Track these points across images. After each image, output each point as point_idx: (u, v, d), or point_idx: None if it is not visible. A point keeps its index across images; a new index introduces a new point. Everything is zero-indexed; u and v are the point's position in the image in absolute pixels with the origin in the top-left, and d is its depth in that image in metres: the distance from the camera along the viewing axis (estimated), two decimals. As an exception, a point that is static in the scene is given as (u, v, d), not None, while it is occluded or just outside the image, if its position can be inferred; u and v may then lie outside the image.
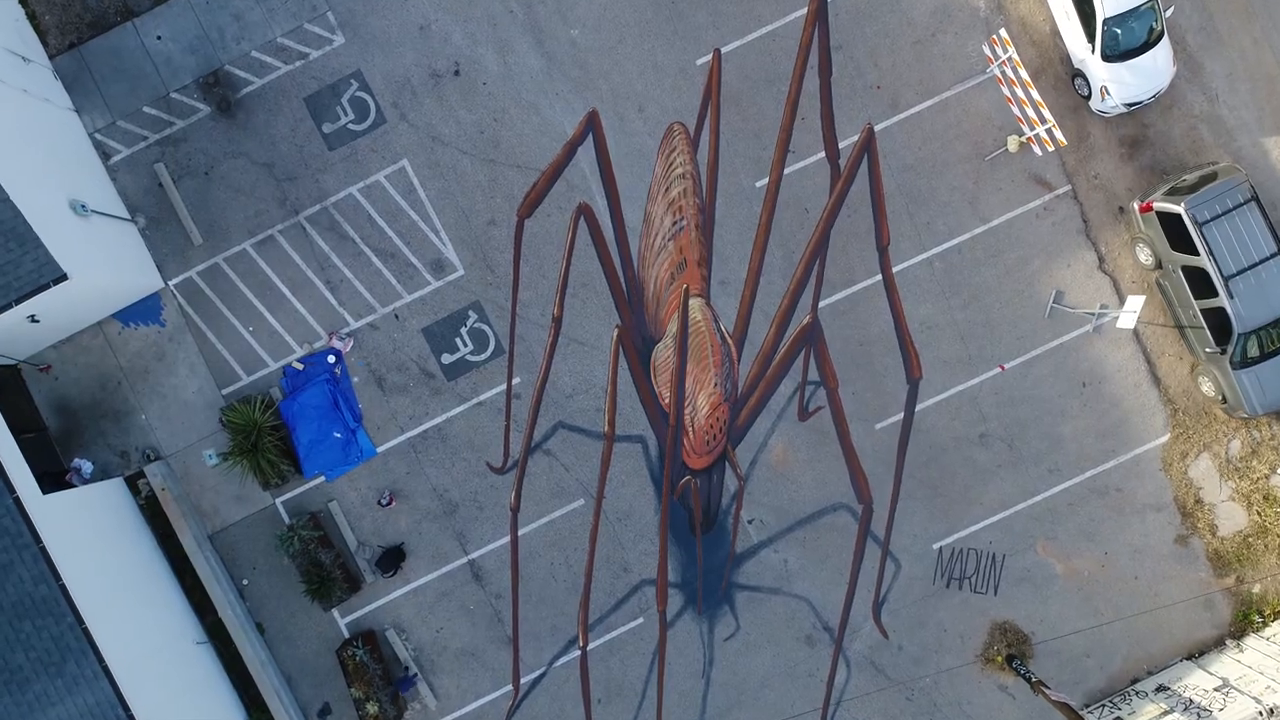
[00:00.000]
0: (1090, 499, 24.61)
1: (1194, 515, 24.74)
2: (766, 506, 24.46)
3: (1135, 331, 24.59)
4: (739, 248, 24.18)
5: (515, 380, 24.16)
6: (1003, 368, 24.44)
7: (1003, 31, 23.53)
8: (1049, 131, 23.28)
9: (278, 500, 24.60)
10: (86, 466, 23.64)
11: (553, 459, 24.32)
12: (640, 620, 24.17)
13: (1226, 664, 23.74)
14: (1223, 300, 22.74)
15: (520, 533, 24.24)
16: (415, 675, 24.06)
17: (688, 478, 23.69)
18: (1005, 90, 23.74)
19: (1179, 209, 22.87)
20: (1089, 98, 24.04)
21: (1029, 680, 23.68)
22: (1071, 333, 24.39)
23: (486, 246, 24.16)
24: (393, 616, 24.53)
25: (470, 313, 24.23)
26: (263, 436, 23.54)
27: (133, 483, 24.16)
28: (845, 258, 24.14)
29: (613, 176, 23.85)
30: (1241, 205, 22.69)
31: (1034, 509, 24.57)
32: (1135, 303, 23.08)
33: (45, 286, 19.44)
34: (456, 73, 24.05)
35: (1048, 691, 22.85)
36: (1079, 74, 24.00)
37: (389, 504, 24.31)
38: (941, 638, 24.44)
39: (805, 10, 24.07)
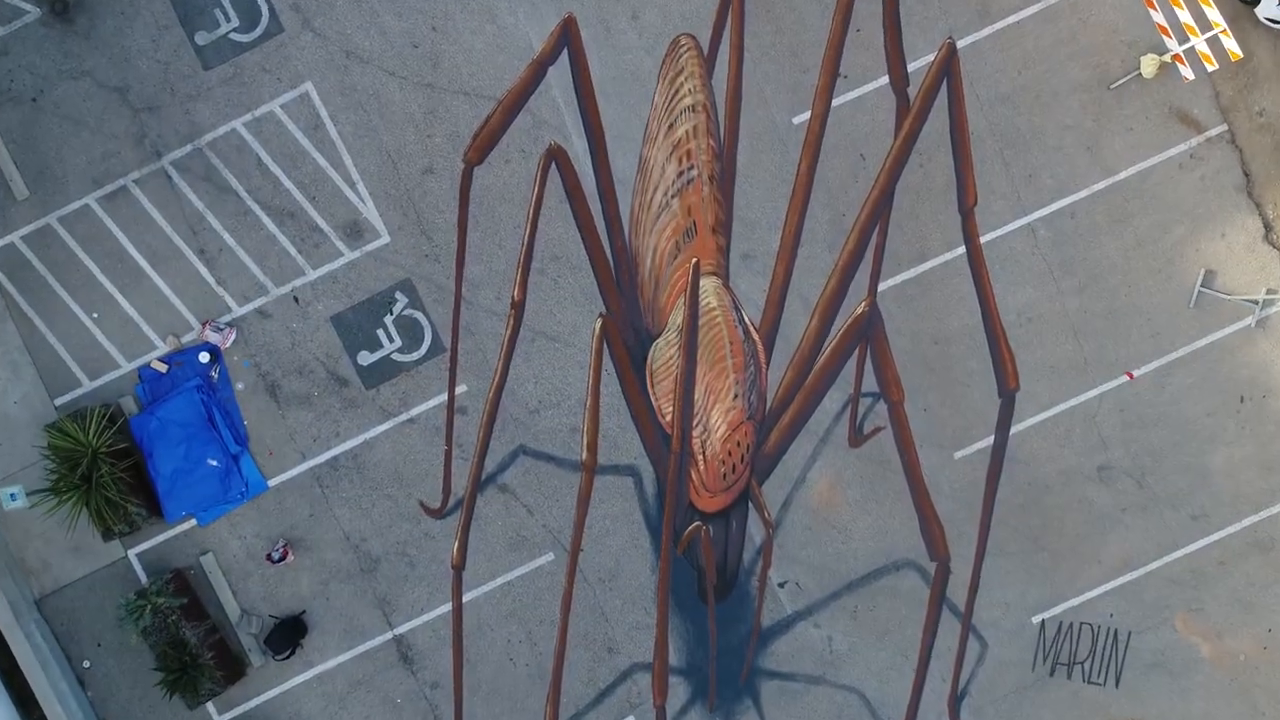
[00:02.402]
0: (1249, 555, 18.66)
1: (1388, 578, 18.72)
2: (804, 565, 18.57)
3: (1311, 326, 18.53)
4: (769, 208, 18.29)
5: (460, 389, 18.35)
6: (1131, 376, 18.52)
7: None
8: (1210, 43, 16.97)
9: (131, 552, 18.55)
10: None
11: (511, 498, 18.45)
12: (631, 720, 18.47)
13: None
14: None
15: (466, 598, 18.45)
16: None
17: (697, 524, 18.01)
18: (1140, -11, 17.79)
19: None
20: (1257, 2, 17.87)
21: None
22: (1226, 328, 18.47)
23: (421, 204, 18.24)
24: (289, 714, 18.60)
25: (398, 295, 18.36)
26: (98, 466, 17.01)
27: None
28: (915, 223, 18.29)
29: (595, 108, 18.04)
30: None
31: (1172, 569, 18.65)
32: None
33: None
34: (381, -37, 18.12)
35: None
36: (1242, -33, 17.80)
37: (283, 558, 18.27)
38: (1043, 745, 18.68)
39: (862, -119, 18.08)
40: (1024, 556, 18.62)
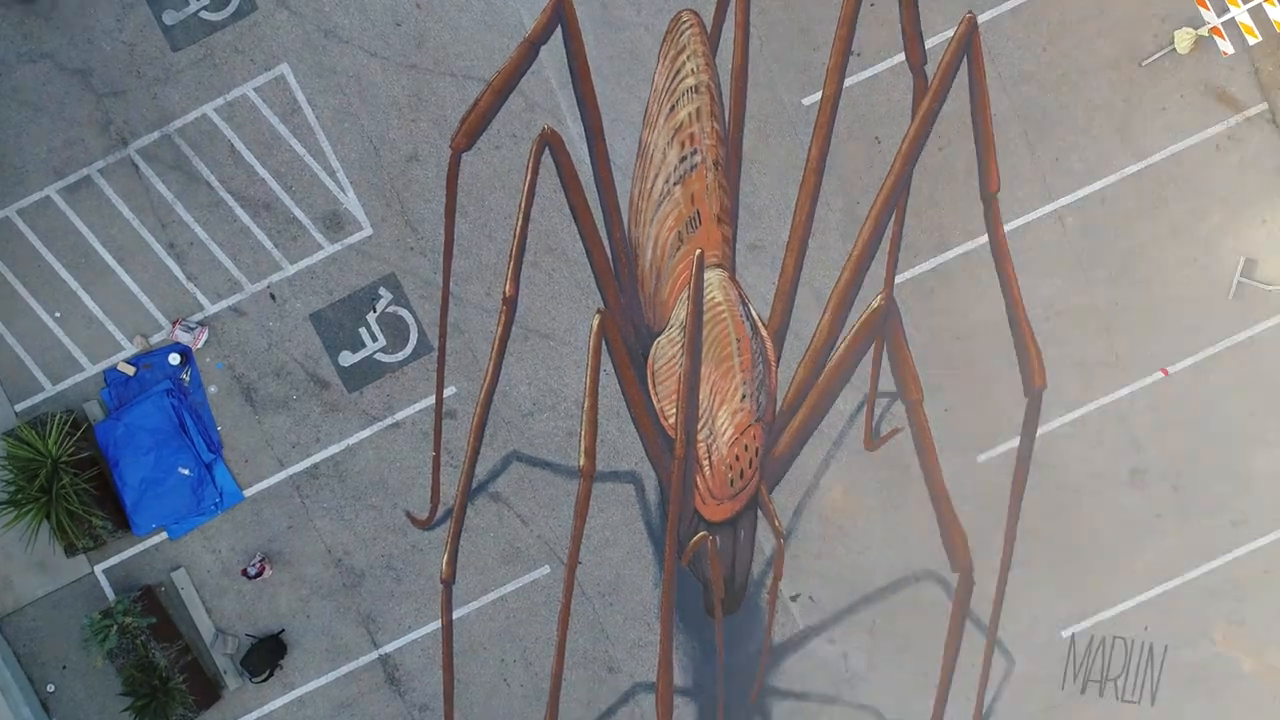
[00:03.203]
0: (1294, 564, 17.36)
1: None
2: (818, 576, 17.43)
3: (1360, 319, 17.33)
4: (778, 195, 17.12)
5: (449, 391, 17.18)
6: (1165, 372, 17.34)
7: None
8: (1252, 14, 15.80)
9: (98, 568, 17.33)
10: None
11: (504, 507, 17.27)
12: (633, 744, 17.37)
13: None
14: None
15: (456, 615, 17.28)
16: None
17: (703, 534, 16.90)
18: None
19: None
20: (1300, -29, 16.60)
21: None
22: (1268, 320, 17.26)
23: (405, 193, 17.06)
24: (268, 740, 17.31)
25: (382, 291, 17.16)
26: (59, 476, 15.79)
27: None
28: (934, 211, 17.13)
29: (592, 90, 16.88)
30: None
31: (1210, 579, 17.46)
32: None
33: None
34: (361, -64, 16.97)
35: None
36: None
37: (260, 574, 17.06)
38: (1074, 767, 17.57)
39: None
40: (1053, 566, 17.47)
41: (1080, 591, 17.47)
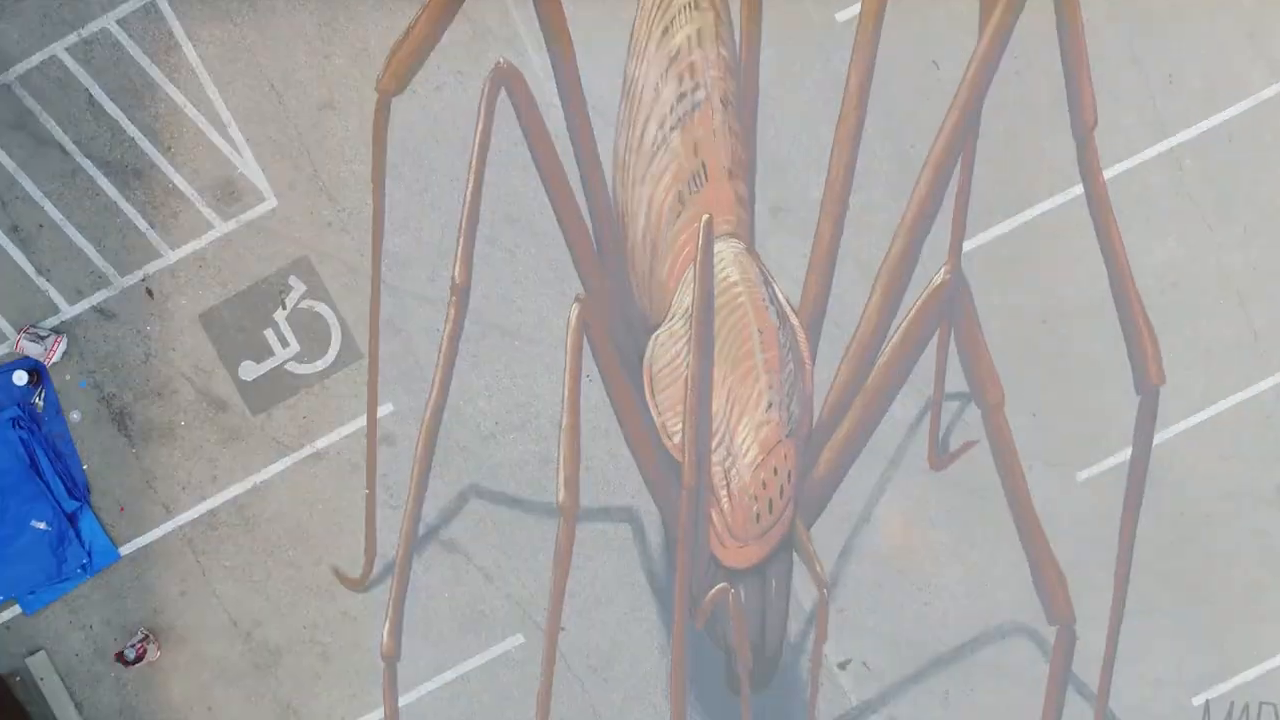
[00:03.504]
0: None
1: None
2: (874, 636, 14.76)
3: None
4: (807, 141, 14.43)
5: (385, 409, 14.44)
6: None
7: None
8: None
9: None
10: None
11: (461, 559, 14.54)
12: None
13: None
14: None
15: (403, 701, 14.54)
16: None
17: (722, 586, 14.35)
18: None
19: None
20: None
21: None
22: None
23: (318, 152, 14.20)
24: None
25: (292, 281, 14.37)
26: None
27: None
28: (1011, 156, 14.41)
29: (560, 10, 14.14)
30: None
31: None
32: None
33: None
34: None
35: None
36: None
37: (140, 658, 13.96)
38: None
39: None
40: (1179, 614, 14.73)
41: (1215, 646, 14.73)
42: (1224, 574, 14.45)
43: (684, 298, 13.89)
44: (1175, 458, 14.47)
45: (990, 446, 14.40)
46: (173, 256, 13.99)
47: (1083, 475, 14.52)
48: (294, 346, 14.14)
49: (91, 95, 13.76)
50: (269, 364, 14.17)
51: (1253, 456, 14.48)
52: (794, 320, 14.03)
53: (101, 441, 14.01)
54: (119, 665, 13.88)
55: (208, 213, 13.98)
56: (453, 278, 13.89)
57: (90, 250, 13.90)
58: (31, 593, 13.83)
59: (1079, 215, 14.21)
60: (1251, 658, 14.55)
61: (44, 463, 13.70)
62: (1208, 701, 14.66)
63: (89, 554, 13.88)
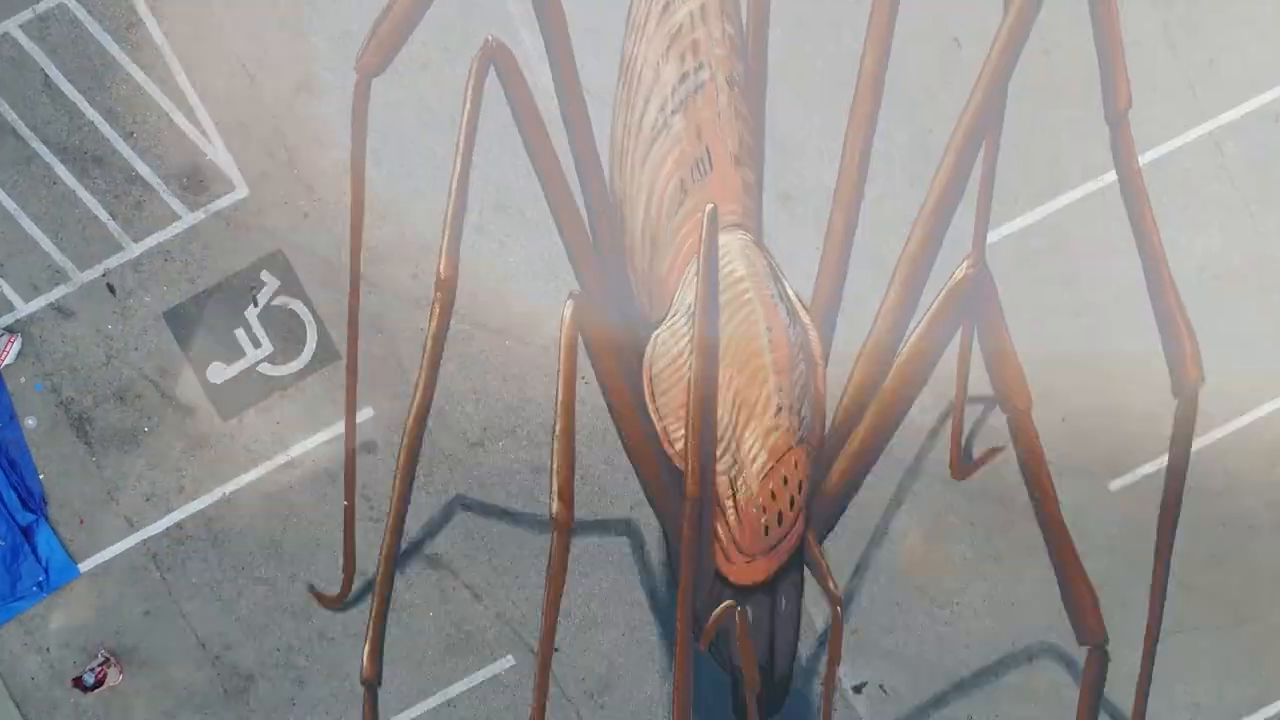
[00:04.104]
0: None
1: None
2: (892, 658, 14.11)
3: None
4: (820, 124, 13.91)
5: (365, 414, 13.80)
6: None
7: None
8: None
9: None
10: None
11: (447, 575, 13.90)
12: None
13: None
14: None
15: None
16: None
17: (728, 604, 13.62)
18: None
19: None
20: None
21: None
22: None
23: (294, 138, 13.57)
24: None
25: (265, 276, 13.71)
26: None
27: None
28: (1039, 141, 13.85)
29: None
30: None
31: None
32: None
33: None
34: None
35: None
36: None
37: (100, 681, 13.24)
38: None
39: None
40: (1219, 634, 14.02)
41: (1259, 669, 13.99)
42: (1270, 591, 13.81)
43: (686, 294, 13.27)
44: (1216, 464, 13.83)
45: (1016, 454, 13.61)
46: (136, 250, 13.33)
47: (1116, 484, 13.93)
48: (267, 347, 13.50)
49: (48, 76, 13.11)
50: (240, 365, 13.55)
51: (1299, 464, 13.59)
52: (805, 318, 13.44)
53: (59, 449, 13.38)
54: (77, 691, 13.18)
55: (174, 203, 13.32)
56: (438, 272, 13.15)
57: (47, 243, 13.21)
58: (-17, 612, 13.04)
59: (1111, 204, 13.58)
60: (1298, 682, 13.73)
61: (-3, 471, 12.95)
62: (1251, 729, 13.77)
63: (46, 570, 13.17)
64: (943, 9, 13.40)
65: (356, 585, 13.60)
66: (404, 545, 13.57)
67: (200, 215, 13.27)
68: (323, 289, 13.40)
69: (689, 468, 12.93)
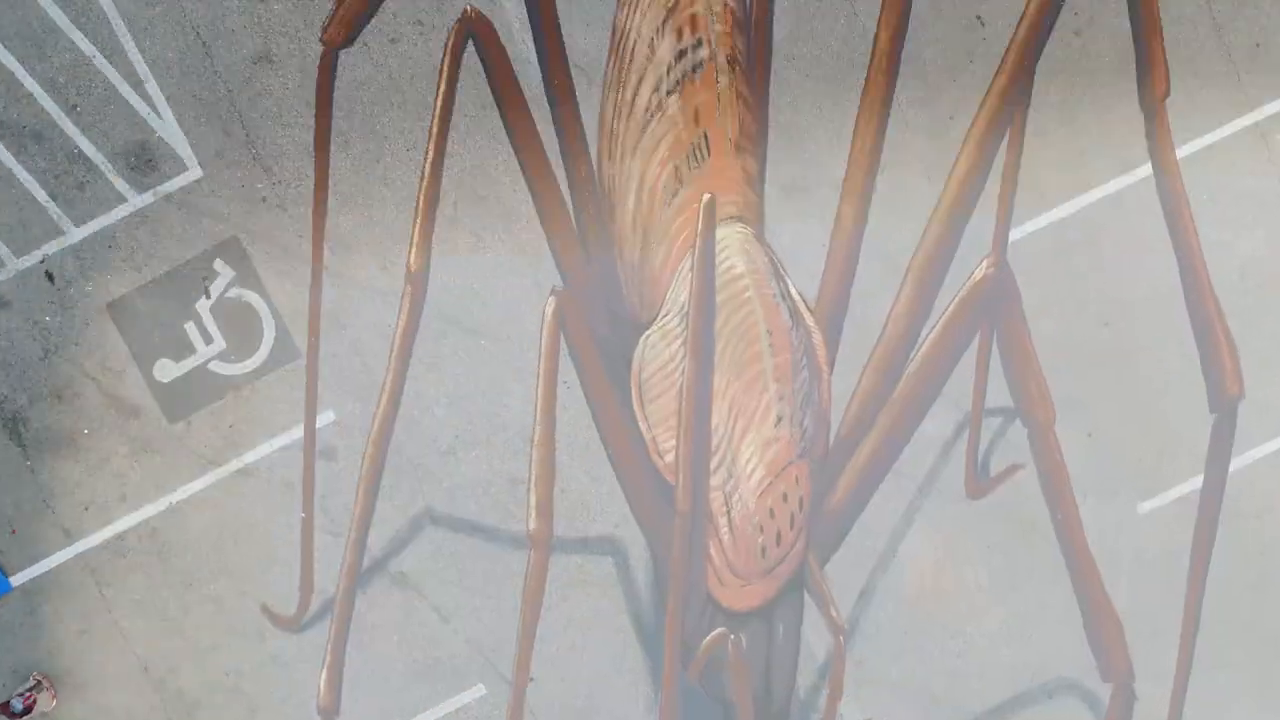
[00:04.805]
0: None
1: None
2: (899, 691, 13.99)
3: None
4: (828, 109, 13.68)
5: (326, 418, 13.62)
6: None
7: None
8: None
9: None
10: None
11: (414, 595, 13.77)
12: None
13: None
14: None
15: None
16: None
17: (721, 632, 13.40)
18: None
19: None
20: None
21: None
22: None
23: (251, 114, 13.25)
24: None
25: (218, 265, 13.49)
26: None
27: None
28: (1067, 130, 13.58)
29: None
30: None
31: None
32: None
33: None
34: None
35: None
36: None
37: (28, 709, 13.08)
38: None
39: None
40: (1258, 668, 13.72)
41: None
42: (1311, 625, 13.06)
43: (680, 291, 12.76)
44: (1255, 486, 13.37)
45: (1038, 471, 13.24)
46: (77, 235, 12.85)
47: (1146, 506, 13.48)
48: (219, 343, 13.06)
49: (-18, 43, 12.44)
50: (189, 363, 13.09)
51: (1346, 487, 12.99)
52: (809, 320, 12.94)
53: (-9, 452, 12.81)
54: (5, 718, 12.65)
55: (119, 183, 12.83)
56: (407, 264, 12.85)
57: (-23, 225, 12.57)
58: (-96, 630, 12.25)
59: (1146, 200, 13.08)
60: (1341, 723, 13.13)
61: (-80, 476, 12.11)
62: (1289, 774, 13.14)
63: (-27, 586, 12.46)
64: (964, -19, 12.69)
65: (314, 605, 13.21)
66: (367, 562, 13.16)
67: (148, 198, 12.87)
68: (282, 280, 13.01)
69: (680, 482, 12.48)
